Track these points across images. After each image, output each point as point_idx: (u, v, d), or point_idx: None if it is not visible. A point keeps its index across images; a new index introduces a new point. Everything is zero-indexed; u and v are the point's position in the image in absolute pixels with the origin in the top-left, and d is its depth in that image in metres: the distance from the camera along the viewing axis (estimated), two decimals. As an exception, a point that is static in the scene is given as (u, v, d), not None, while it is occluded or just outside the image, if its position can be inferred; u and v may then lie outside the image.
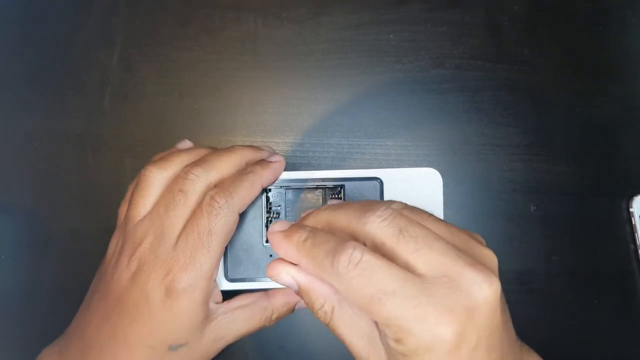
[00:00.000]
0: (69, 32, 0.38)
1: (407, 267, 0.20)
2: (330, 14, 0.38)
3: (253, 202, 0.30)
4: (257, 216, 0.30)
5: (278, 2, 0.38)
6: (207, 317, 0.26)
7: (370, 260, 0.20)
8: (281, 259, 0.24)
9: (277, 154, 0.30)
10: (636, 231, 0.35)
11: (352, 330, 0.22)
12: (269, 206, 0.31)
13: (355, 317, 0.22)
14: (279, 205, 0.31)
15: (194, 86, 0.37)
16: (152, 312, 0.24)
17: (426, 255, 0.20)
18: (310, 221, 0.24)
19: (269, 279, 0.30)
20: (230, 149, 0.29)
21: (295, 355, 0.34)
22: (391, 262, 0.20)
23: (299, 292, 0.24)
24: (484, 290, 0.20)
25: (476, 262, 0.20)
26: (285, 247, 0.23)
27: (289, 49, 0.37)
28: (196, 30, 0.38)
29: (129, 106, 0.37)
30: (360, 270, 0.20)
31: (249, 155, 0.29)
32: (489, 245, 0.22)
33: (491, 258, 0.22)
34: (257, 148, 0.30)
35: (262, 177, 0.28)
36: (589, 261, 0.35)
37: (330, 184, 0.31)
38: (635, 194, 0.35)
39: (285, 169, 0.34)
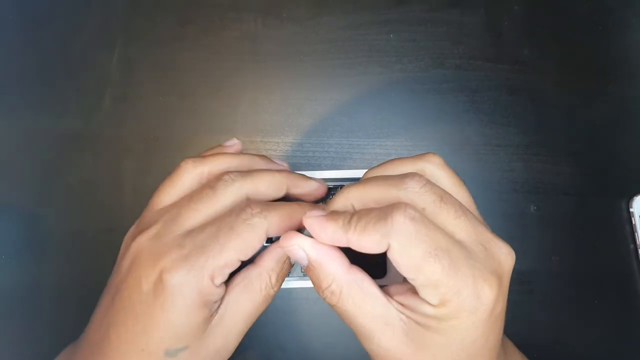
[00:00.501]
0: (69, 32, 0.38)
1: (447, 233, 0.20)
2: (330, 14, 0.38)
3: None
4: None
5: (278, 2, 0.38)
6: (210, 316, 0.23)
7: (423, 219, 0.20)
8: (294, 233, 0.22)
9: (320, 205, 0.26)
10: (636, 231, 0.35)
11: (362, 309, 0.22)
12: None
13: (367, 297, 0.22)
14: (279, 205, 0.31)
15: (194, 86, 0.37)
16: (143, 309, 0.22)
17: (464, 223, 0.21)
18: (339, 202, 0.23)
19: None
20: (279, 171, 0.27)
21: (296, 355, 0.34)
22: (438, 225, 0.20)
23: (307, 269, 0.23)
24: (509, 260, 0.21)
25: (495, 233, 0.22)
26: (332, 229, 0.21)
27: (289, 49, 0.37)
28: (196, 30, 0.38)
29: (128, 106, 0.37)
30: (417, 226, 0.19)
31: (296, 183, 0.27)
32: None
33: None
34: (306, 178, 0.28)
35: (306, 213, 0.24)
36: (589, 261, 0.35)
37: (330, 184, 0.31)
38: (635, 194, 0.35)
39: (286, 169, 0.34)
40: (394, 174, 0.23)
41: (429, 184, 0.21)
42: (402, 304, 0.21)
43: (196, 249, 0.22)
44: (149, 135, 0.37)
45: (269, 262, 0.25)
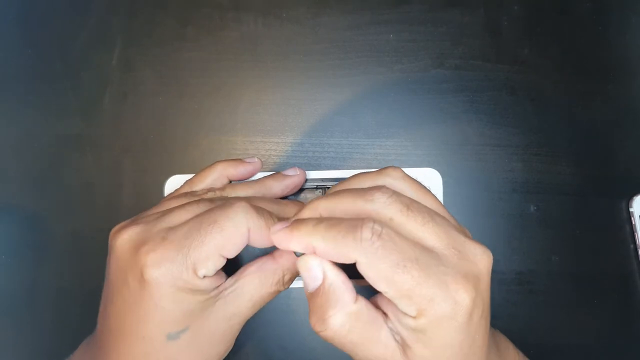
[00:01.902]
0: (69, 32, 0.38)
1: (416, 241, 0.21)
2: (330, 14, 0.38)
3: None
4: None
5: (278, 2, 0.38)
6: (209, 299, 0.23)
7: (390, 232, 0.20)
8: (312, 255, 0.22)
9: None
10: (636, 231, 0.35)
11: (365, 340, 0.21)
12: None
13: (369, 325, 0.21)
14: (279, 205, 0.31)
15: (193, 86, 0.37)
16: (133, 300, 0.22)
17: (433, 228, 0.21)
18: (308, 214, 0.23)
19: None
20: (278, 203, 0.28)
21: (296, 355, 0.34)
22: (406, 236, 0.21)
23: (315, 292, 0.22)
24: (484, 260, 0.21)
25: (469, 235, 0.22)
26: (296, 238, 0.21)
27: (289, 49, 0.37)
28: (196, 30, 0.38)
29: (128, 106, 0.37)
30: (383, 241, 0.20)
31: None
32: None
33: (471, 235, 0.23)
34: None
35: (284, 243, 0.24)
36: (589, 261, 0.35)
37: (330, 184, 0.31)
38: (635, 194, 0.35)
39: (286, 169, 0.34)
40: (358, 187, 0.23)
41: (395, 194, 0.21)
42: (390, 319, 0.21)
43: (177, 240, 0.22)
44: (148, 135, 0.37)
45: (287, 261, 0.26)
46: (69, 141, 0.37)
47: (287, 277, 0.26)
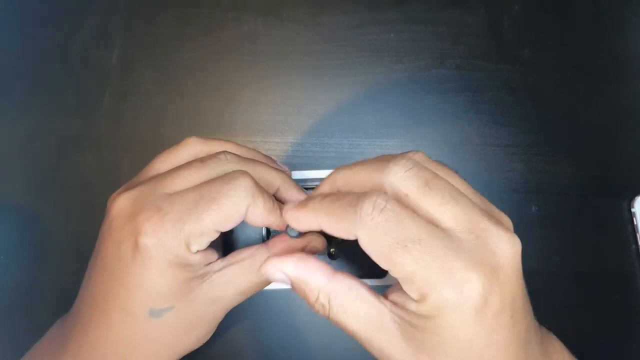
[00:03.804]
0: (69, 32, 0.38)
1: (432, 221, 0.19)
2: (330, 13, 0.38)
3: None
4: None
5: (278, 2, 0.38)
6: (197, 277, 0.23)
7: (395, 208, 0.19)
8: (273, 257, 0.22)
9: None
10: (638, 231, 0.35)
11: (355, 317, 0.21)
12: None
13: (357, 302, 0.21)
14: (278, 205, 0.31)
15: (193, 86, 0.37)
16: (123, 269, 0.22)
17: (452, 209, 0.19)
18: (327, 184, 0.22)
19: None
20: (276, 170, 0.26)
21: (296, 355, 0.34)
22: (416, 214, 0.19)
23: (293, 288, 0.22)
24: (508, 249, 0.19)
25: (498, 221, 0.20)
26: (303, 216, 0.21)
27: (289, 48, 0.37)
28: (196, 30, 0.38)
29: (128, 106, 0.37)
30: (385, 217, 0.18)
31: (289, 188, 0.26)
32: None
33: (509, 220, 0.21)
34: (300, 189, 0.27)
35: (279, 221, 0.24)
36: (590, 261, 0.35)
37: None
38: (637, 194, 0.35)
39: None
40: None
41: (415, 167, 0.20)
42: (395, 303, 0.20)
43: (174, 213, 0.21)
44: (148, 135, 0.37)
45: (280, 250, 0.25)
46: (69, 141, 0.37)
47: None
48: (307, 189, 0.31)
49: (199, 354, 0.34)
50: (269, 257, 0.22)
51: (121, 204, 0.23)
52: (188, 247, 0.22)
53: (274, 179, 0.26)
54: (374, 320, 0.20)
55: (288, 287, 0.30)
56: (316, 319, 0.34)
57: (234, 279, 0.24)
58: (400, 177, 0.20)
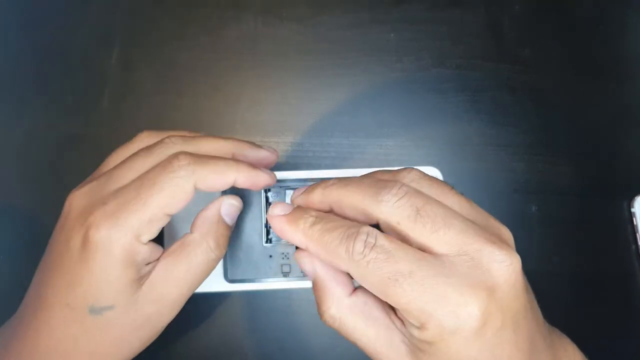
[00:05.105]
0: (69, 32, 0.38)
1: (424, 248, 0.19)
2: (330, 13, 0.38)
3: (252, 202, 0.30)
4: (257, 217, 0.30)
5: (278, 2, 0.38)
6: (139, 278, 0.23)
7: (384, 244, 0.19)
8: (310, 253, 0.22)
9: (271, 171, 0.26)
10: (637, 231, 0.35)
11: (365, 335, 0.21)
12: (268, 206, 0.31)
13: (369, 321, 0.21)
14: (278, 206, 0.31)
15: (193, 86, 0.37)
16: (69, 264, 0.22)
17: (445, 235, 0.19)
18: (317, 197, 0.22)
19: (269, 280, 0.30)
20: (224, 137, 0.26)
21: (296, 355, 0.34)
22: (406, 245, 0.19)
23: (313, 286, 0.22)
24: (504, 268, 0.19)
25: (495, 238, 0.20)
26: (290, 233, 0.21)
27: (289, 48, 0.37)
28: (196, 29, 0.38)
29: (128, 106, 0.37)
30: (375, 254, 0.19)
31: (243, 149, 0.26)
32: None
33: (508, 233, 0.21)
34: (256, 146, 0.27)
35: (239, 171, 0.24)
36: (590, 262, 0.35)
37: (324, 179, 0.31)
38: (637, 194, 0.35)
39: (286, 169, 0.34)
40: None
41: (408, 195, 0.20)
42: (402, 323, 0.21)
43: (118, 205, 0.22)
44: (148, 135, 0.37)
45: (202, 227, 0.24)
46: (69, 141, 0.37)
47: (211, 243, 0.24)
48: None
49: (199, 354, 0.34)
50: (298, 251, 0.22)
51: (72, 201, 0.23)
52: (138, 237, 0.22)
53: (222, 146, 0.26)
54: (383, 338, 0.21)
55: (288, 287, 0.30)
56: (316, 319, 0.34)
57: (170, 273, 0.24)
58: (392, 206, 0.20)
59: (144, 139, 0.26)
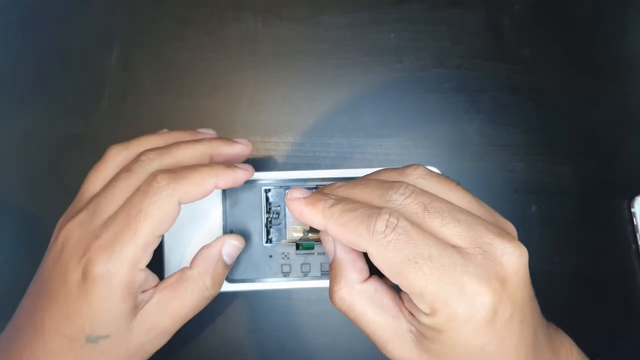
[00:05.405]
0: (69, 32, 0.38)
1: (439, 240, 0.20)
2: (330, 13, 0.38)
3: (252, 202, 0.30)
4: (257, 216, 0.30)
5: (278, 1, 0.38)
6: (135, 307, 0.23)
7: (406, 226, 0.19)
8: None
9: (248, 164, 0.27)
10: (638, 231, 0.35)
11: (373, 322, 0.21)
12: (268, 206, 0.31)
13: (377, 309, 0.21)
14: (278, 205, 0.31)
15: (193, 86, 0.37)
16: (68, 296, 0.23)
17: (455, 228, 0.20)
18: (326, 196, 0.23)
19: (268, 280, 0.30)
20: (198, 140, 0.27)
21: (296, 355, 0.34)
22: (426, 231, 0.20)
23: (330, 265, 0.23)
24: (514, 260, 0.20)
25: (503, 232, 0.20)
26: (309, 214, 0.21)
27: (289, 48, 0.37)
28: (195, 29, 0.38)
29: (128, 106, 0.37)
30: (396, 235, 0.19)
31: (218, 148, 0.27)
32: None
33: (512, 228, 0.22)
34: (230, 142, 0.28)
35: (218, 176, 0.24)
36: (590, 262, 0.35)
37: (330, 184, 0.31)
38: (637, 194, 0.35)
39: (286, 169, 0.34)
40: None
41: (414, 194, 0.20)
42: (411, 313, 0.21)
43: (111, 238, 0.22)
44: (148, 135, 0.37)
45: (202, 265, 0.26)
46: (69, 141, 0.37)
47: (208, 281, 0.25)
48: (308, 189, 0.31)
49: (199, 354, 0.34)
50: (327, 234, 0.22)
51: (65, 234, 0.24)
52: (135, 265, 0.23)
53: (198, 151, 0.26)
54: (391, 327, 0.21)
55: (288, 287, 0.30)
56: (315, 319, 0.34)
57: (165, 305, 0.24)
58: (400, 205, 0.20)
59: (115, 157, 0.26)
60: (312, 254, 0.30)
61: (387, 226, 0.19)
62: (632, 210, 0.35)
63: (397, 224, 0.19)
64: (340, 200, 0.21)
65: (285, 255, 0.30)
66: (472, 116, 0.36)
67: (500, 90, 0.37)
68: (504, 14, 0.38)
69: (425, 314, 0.19)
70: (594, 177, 0.36)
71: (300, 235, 0.30)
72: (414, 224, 0.20)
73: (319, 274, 0.30)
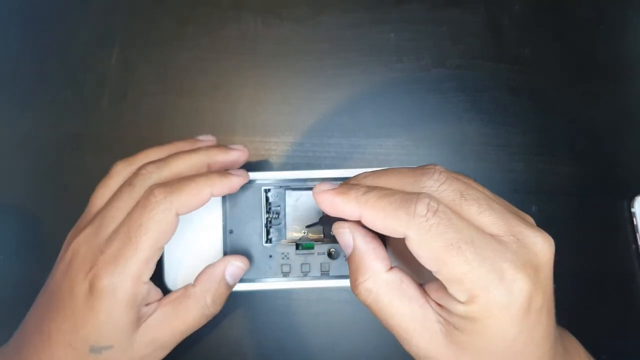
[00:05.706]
0: (69, 32, 0.38)
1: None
2: (330, 13, 0.38)
3: (252, 202, 0.30)
4: (257, 217, 0.30)
5: (278, 1, 0.38)
6: (138, 320, 0.24)
7: (447, 210, 0.19)
8: (351, 222, 0.22)
9: (242, 169, 0.28)
10: (637, 231, 0.35)
11: (399, 313, 0.21)
12: (268, 206, 0.31)
13: (404, 298, 0.21)
14: (278, 205, 0.31)
15: (193, 86, 0.37)
16: (74, 309, 0.23)
17: (490, 216, 0.20)
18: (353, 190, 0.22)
19: (268, 280, 0.30)
20: (195, 150, 0.27)
21: (296, 355, 0.34)
22: (463, 217, 0.20)
23: (349, 257, 0.22)
24: (546, 249, 0.20)
25: (530, 223, 0.21)
26: (342, 203, 0.21)
27: (289, 48, 0.37)
28: (195, 29, 0.38)
29: (128, 106, 0.37)
30: (438, 219, 0.19)
31: (215, 156, 0.28)
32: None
33: (533, 220, 0.22)
34: (227, 149, 0.28)
35: (213, 185, 0.25)
36: (590, 261, 0.35)
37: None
38: (637, 194, 0.35)
39: (286, 169, 0.34)
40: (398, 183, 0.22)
41: (448, 180, 0.20)
42: (439, 304, 0.21)
43: (114, 253, 0.23)
44: (148, 135, 0.37)
45: (205, 283, 0.26)
46: (69, 141, 0.37)
47: (208, 300, 0.26)
48: (307, 189, 0.31)
49: (199, 354, 0.34)
50: (338, 222, 0.22)
51: (76, 247, 0.25)
52: (139, 278, 0.24)
53: (195, 161, 0.27)
54: (418, 318, 0.21)
55: (288, 287, 0.30)
56: (315, 319, 0.34)
57: (167, 320, 0.25)
58: (435, 190, 0.20)
59: (120, 172, 0.28)
60: (312, 254, 0.30)
61: (428, 209, 0.19)
62: (632, 210, 0.35)
63: (437, 208, 0.19)
64: (374, 187, 0.21)
65: (285, 255, 0.30)
66: (472, 116, 0.36)
67: (500, 90, 0.37)
68: (504, 14, 0.38)
69: (459, 302, 0.19)
70: (594, 177, 0.36)
71: (300, 235, 0.30)
72: (452, 210, 0.20)
73: (318, 274, 0.30)
